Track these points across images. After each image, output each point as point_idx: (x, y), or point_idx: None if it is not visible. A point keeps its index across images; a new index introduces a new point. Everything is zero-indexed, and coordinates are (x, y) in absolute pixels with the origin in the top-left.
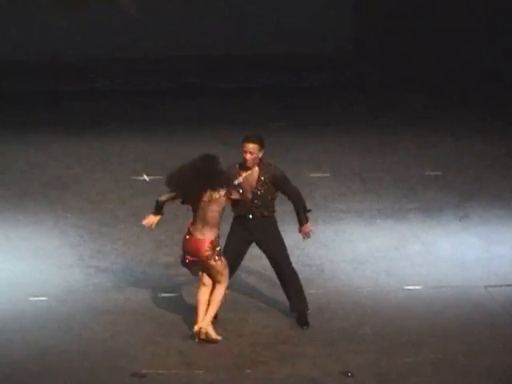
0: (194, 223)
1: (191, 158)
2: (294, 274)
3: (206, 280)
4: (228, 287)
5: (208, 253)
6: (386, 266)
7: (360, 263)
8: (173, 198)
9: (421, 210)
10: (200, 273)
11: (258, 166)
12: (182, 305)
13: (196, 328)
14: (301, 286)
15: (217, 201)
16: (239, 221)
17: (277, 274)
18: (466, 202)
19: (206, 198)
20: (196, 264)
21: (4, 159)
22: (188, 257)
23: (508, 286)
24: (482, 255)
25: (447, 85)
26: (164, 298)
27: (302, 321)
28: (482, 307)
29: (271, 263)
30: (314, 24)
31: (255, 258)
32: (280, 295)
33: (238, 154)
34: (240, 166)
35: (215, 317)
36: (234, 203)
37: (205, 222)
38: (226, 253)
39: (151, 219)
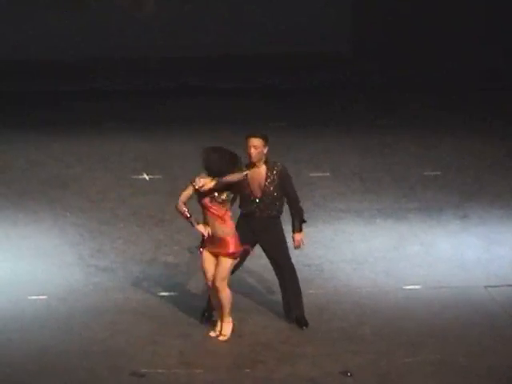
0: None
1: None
2: (294, 277)
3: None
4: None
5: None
6: (386, 266)
7: (359, 263)
8: (190, 196)
9: (420, 209)
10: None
11: (265, 163)
12: (181, 304)
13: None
14: (300, 290)
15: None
16: (245, 219)
17: (277, 275)
18: (466, 202)
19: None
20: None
21: (4, 158)
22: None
23: (508, 286)
24: (481, 255)
25: (447, 85)
26: (164, 297)
27: (301, 321)
28: (482, 308)
29: (272, 264)
30: (314, 24)
31: (255, 258)
32: (280, 295)
33: (238, 153)
34: (246, 166)
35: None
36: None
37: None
38: None
39: (201, 228)
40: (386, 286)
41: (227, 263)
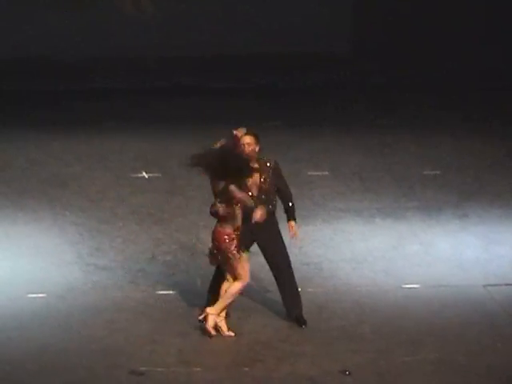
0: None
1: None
2: (291, 277)
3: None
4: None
5: (226, 244)
6: (385, 265)
7: (359, 262)
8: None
9: (420, 209)
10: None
11: (257, 161)
12: (180, 303)
13: (202, 312)
14: (297, 290)
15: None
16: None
17: (274, 275)
18: (466, 202)
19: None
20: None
21: (4, 157)
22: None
23: (507, 285)
24: (480, 255)
25: (447, 85)
26: (162, 295)
27: (300, 320)
28: (481, 307)
29: (269, 264)
30: (314, 23)
31: (253, 256)
32: (279, 294)
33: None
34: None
35: (227, 314)
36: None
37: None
38: None
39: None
40: (386, 285)
41: None
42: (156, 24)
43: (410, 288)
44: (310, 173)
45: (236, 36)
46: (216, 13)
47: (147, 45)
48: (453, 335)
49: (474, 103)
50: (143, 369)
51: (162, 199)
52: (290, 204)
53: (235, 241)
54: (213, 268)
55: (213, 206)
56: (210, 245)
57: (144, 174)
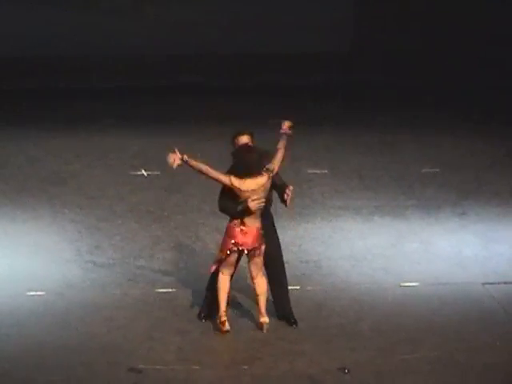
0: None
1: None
2: (283, 277)
3: (229, 270)
4: None
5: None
6: (384, 263)
7: (358, 260)
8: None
9: (419, 207)
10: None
11: None
12: (179, 301)
13: (265, 320)
14: (287, 290)
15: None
16: None
17: (266, 269)
18: (465, 200)
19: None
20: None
21: (3, 154)
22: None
23: (505, 283)
24: (479, 253)
25: (447, 85)
26: (161, 293)
27: (290, 320)
28: (480, 304)
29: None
30: (314, 22)
31: None
32: None
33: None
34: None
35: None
36: None
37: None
38: None
39: None
40: (385, 283)
41: None
42: (156, 22)
43: (409, 286)
44: (309, 171)
45: (236, 35)
46: (216, 12)
47: (147, 43)
48: (451, 333)
49: (474, 103)
50: (142, 366)
51: (161, 197)
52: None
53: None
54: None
55: (251, 202)
56: (239, 246)
57: (143, 171)
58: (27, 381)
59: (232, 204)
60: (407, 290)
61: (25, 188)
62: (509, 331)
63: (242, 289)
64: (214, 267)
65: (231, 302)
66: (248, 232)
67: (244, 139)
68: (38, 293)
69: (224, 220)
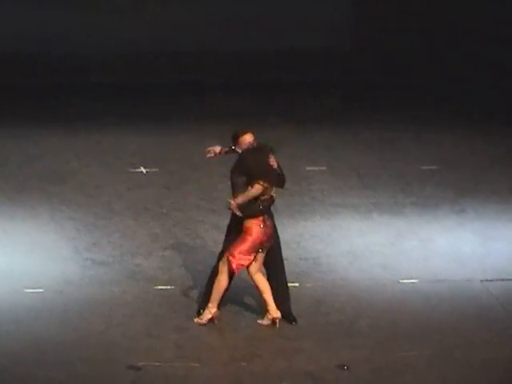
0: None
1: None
2: (282, 274)
3: (258, 266)
4: None
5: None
6: (383, 260)
7: (356, 257)
8: None
9: (417, 204)
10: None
11: None
12: (177, 298)
13: (278, 315)
14: (287, 287)
15: None
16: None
17: (266, 271)
18: (463, 198)
19: None
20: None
21: (2, 153)
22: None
23: (503, 280)
24: (477, 250)
25: (447, 85)
26: (160, 290)
27: (290, 318)
28: (478, 301)
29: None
30: (313, 20)
31: None
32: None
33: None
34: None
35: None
36: None
37: None
38: (225, 247)
39: None
40: (383, 280)
41: None
42: (155, 21)
43: (408, 283)
44: (308, 168)
45: (235, 33)
46: (215, 10)
47: (147, 41)
48: (449, 329)
49: (474, 103)
50: (141, 363)
51: (159, 194)
52: None
53: None
54: (208, 263)
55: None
56: (264, 243)
57: (142, 169)
58: (26, 377)
59: (257, 202)
60: (406, 287)
61: (24, 186)
62: (507, 327)
63: (241, 286)
64: (239, 269)
65: (230, 300)
66: (268, 227)
67: (248, 138)
68: (37, 290)
69: (223, 218)
